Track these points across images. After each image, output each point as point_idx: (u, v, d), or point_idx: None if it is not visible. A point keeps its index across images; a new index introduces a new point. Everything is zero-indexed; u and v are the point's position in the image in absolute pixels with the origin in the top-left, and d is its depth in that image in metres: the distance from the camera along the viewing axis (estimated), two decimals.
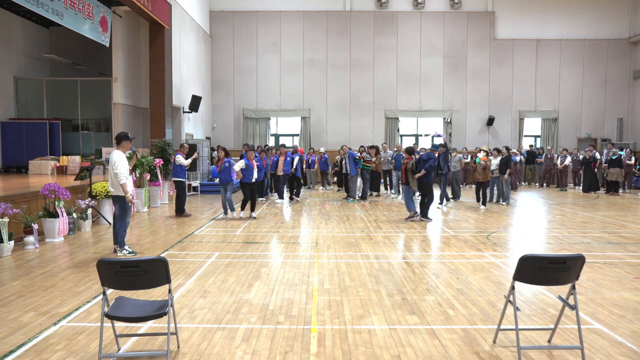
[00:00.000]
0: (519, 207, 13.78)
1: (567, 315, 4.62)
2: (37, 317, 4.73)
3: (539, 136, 23.77)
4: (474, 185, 20.02)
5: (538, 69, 23.15)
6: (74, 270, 6.55)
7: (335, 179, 19.24)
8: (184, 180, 11.52)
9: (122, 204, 7.38)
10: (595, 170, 18.36)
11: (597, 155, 18.77)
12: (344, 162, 15.47)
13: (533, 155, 21.20)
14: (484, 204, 13.42)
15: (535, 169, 21.28)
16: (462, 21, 22.83)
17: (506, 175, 14.00)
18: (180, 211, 11.47)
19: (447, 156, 14.47)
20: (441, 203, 13.91)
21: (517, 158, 19.38)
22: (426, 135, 22.50)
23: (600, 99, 23.36)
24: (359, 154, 14.97)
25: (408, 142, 22.92)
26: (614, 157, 17.58)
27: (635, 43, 23.09)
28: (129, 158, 8.20)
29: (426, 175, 10.89)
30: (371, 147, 16.08)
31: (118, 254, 7.43)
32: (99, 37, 13.45)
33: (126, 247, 7.54)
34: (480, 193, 13.47)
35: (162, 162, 13.53)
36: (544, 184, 20.55)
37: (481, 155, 13.58)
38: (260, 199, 14.93)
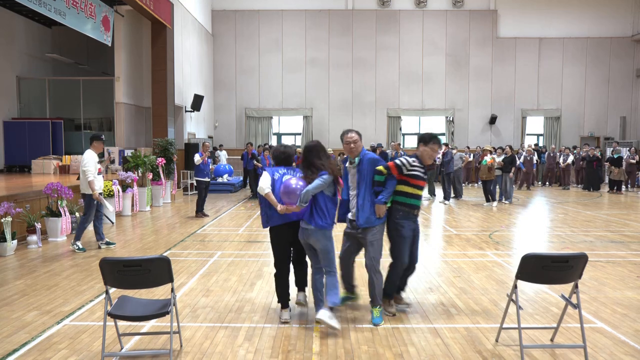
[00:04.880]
0: (522, 206, 13.75)
1: (569, 314, 4.60)
2: (40, 316, 4.74)
3: (541, 135, 23.71)
4: (476, 185, 20.18)
5: (540, 67, 23.08)
6: (76, 269, 6.56)
7: None
8: (201, 179, 11.51)
9: (88, 202, 7.71)
10: (605, 168, 18.38)
11: (598, 153, 18.71)
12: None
13: (538, 154, 21.15)
14: (494, 200, 13.57)
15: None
16: (465, 20, 22.78)
17: (511, 174, 14.06)
18: (197, 211, 11.53)
19: (445, 156, 14.82)
20: (448, 200, 14.42)
21: (535, 158, 19.23)
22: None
23: (603, 97, 23.29)
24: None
25: (411, 141, 22.94)
26: (615, 156, 17.55)
27: (638, 41, 23.00)
28: (101, 156, 8.48)
29: None
30: (377, 147, 15.65)
31: (70, 246, 7.77)
32: (101, 36, 13.47)
33: (77, 243, 7.72)
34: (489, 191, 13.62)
35: (164, 162, 13.54)
36: (547, 183, 20.51)
37: (488, 158, 13.64)
38: None
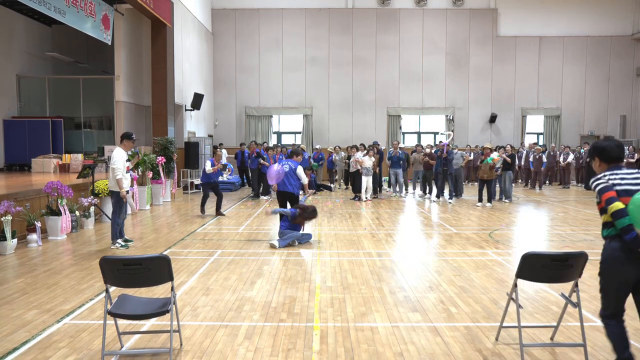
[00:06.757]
0: (521, 205, 13.75)
1: (569, 313, 4.61)
2: (40, 315, 4.74)
3: (541, 133, 23.71)
4: (476, 183, 20.15)
5: (541, 66, 23.06)
6: (77, 267, 6.56)
7: (336, 176, 19.23)
8: (204, 182, 11.57)
9: (115, 200, 7.75)
10: None
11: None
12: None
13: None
14: (489, 201, 13.51)
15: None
16: (465, 18, 22.75)
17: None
18: (201, 211, 11.56)
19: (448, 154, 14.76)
20: (451, 198, 14.46)
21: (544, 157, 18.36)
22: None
23: (603, 96, 23.27)
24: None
25: (410, 140, 22.94)
26: None
27: (638, 40, 22.97)
28: (131, 157, 8.46)
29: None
30: (373, 145, 15.76)
31: (111, 247, 7.78)
32: (101, 35, 13.46)
33: (118, 241, 7.84)
34: (485, 191, 13.53)
35: (164, 160, 13.54)
36: (547, 182, 20.49)
37: (494, 155, 13.42)
38: (265, 196, 14.96)
